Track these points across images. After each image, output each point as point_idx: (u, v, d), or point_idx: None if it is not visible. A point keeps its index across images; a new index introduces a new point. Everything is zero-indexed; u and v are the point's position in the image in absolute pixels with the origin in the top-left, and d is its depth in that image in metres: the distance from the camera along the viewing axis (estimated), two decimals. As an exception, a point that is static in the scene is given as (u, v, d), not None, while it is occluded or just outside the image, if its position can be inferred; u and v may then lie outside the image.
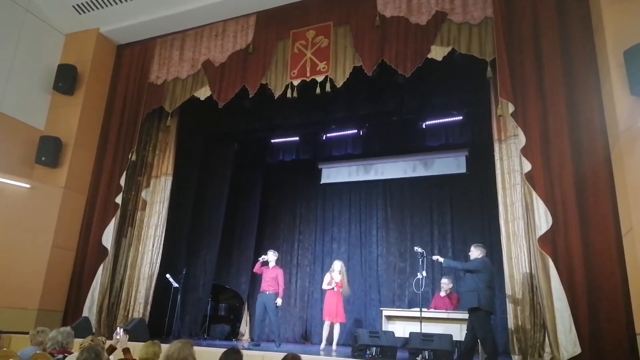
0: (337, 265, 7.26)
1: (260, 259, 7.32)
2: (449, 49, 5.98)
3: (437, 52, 6.04)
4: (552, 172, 5.18)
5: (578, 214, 4.96)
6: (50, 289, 7.11)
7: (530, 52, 5.57)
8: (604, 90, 5.02)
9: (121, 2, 7.61)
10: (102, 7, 7.76)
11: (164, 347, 3.48)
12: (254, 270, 7.49)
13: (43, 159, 7.49)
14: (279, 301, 7.21)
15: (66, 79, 7.85)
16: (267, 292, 7.14)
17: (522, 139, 5.34)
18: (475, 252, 5.66)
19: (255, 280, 8.92)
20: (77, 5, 7.81)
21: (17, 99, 7.52)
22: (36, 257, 7.03)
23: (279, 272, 7.28)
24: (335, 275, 7.13)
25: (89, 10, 7.87)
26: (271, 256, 7.34)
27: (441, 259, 5.92)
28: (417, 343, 5.44)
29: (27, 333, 4.65)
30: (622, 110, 4.57)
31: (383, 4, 6.45)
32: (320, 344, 7.18)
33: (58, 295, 7.28)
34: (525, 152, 5.30)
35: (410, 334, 5.77)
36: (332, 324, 6.95)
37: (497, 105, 5.83)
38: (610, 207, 4.79)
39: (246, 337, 9.23)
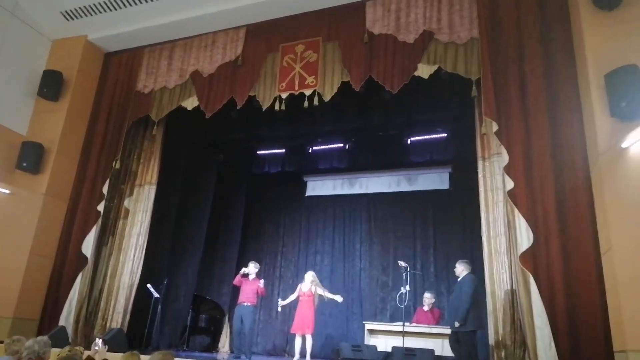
0: (309, 276, 7.27)
1: (241, 272, 7.28)
2: (435, 67, 6.09)
3: (424, 70, 6.14)
4: (534, 191, 5.27)
5: (559, 232, 5.05)
6: (26, 296, 6.94)
7: (514, 73, 5.69)
8: (585, 112, 5.15)
9: (110, 10, 7.58)
10: (91, 15, 7.72)
11: (144, 358, 3.43)
12: (234, 282, 7.44)
13: (24, 164, 7.36)
14: (281, 303, 7.33)
15: (51, 85, 7.75)
16: (245, 304, 7.10)
17: (505, 157, 5.44)
18: (460, 268, 5.74)
19: (237, 292, 8.84)
20: (66, 11, 7.75)
21: (-1, 103, 7.41)
22: (13, 264, 6.87)
23: (259, 284, 7.26)
24: (304, 285, 7.12)
25: (77, 17, 7.81)
26: (252, 268, 7.31)
27: (457, 324, 5.59)
28: (399, 357, 5.47)
29: (1, 342, 4.53)
30: (603, 131, 4.70)
31: (372, 21, 6.55)
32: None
33: (34, 304, 7.11)
34: (508, 170, 5.38)
35: (393, 348, 5.79)
36: (304, 336, 6.90)
37: (481, 123, 5.93)
38: (590, 226, 4.89)
39: (226, 349, 9.12)
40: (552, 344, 4.72)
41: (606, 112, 4.69)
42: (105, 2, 7.46)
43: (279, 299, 7.48)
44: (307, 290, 7.06)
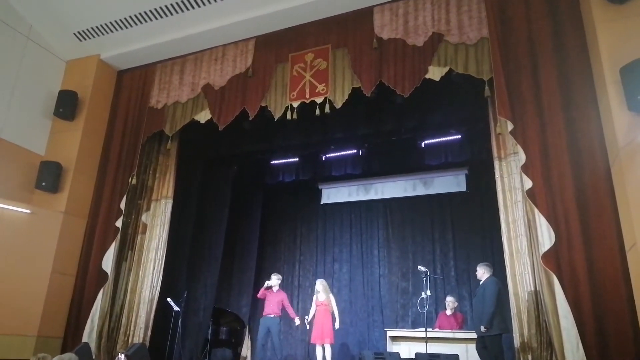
0: (319, 284, 7.26)
1: (265, 285, 7.33)
2: (446, 69, 6.03)
3: (435, 72, 6.09)
4: (553, 189, 5.18)
5: (580, 230, 4.95)
6: (49, 315, 7.01)
7: (527, 71, 5.62)
8: (602, 107, 5.06)
9: (121, 28, 7.70)
10: (103, 34, 7.85)
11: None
12: (258, 295, 7.49)
13: (43, 184, 7.47)
14: (297, 320, 7.37)
15: (67, 105, 7.88)
16: (272, 316, 7.15)
17: (522, 157, 5.36)
18: (481, 271, 5.66)
19: (257, 303, 8.83)
20: (78, 32, 7.90)
21: (18, 125, 7.54)
22: (35, 283, 6.95)
23: (284, 296, 7.33)
24: (319, 295, 7.11)
25: (89, 37, 7.96)
26: (275, 280, 7.38)
27: (484, 328, 5.52)
28: (423, 364, 5.38)
29: (27, 361, 4.58)
30: (621, 126, 4.61)
31: (380, 26, 6.54)
32: None
33: (57, 321, 7.17)
34: (525, 169, 5.30)
35: (416, 354, 5.71)
36: (324, 346, 6.87)
37: (496, 123, 5.86)
38: (612, 223, 4.78)
39: (248, 361, 9.11)
40: (580, 345, 4.61)
41: (623, 106, 4.60)
42: (116, 21, 7.58)
43: (306, 317, 7.42)
44: (324, 300, 7.05)
